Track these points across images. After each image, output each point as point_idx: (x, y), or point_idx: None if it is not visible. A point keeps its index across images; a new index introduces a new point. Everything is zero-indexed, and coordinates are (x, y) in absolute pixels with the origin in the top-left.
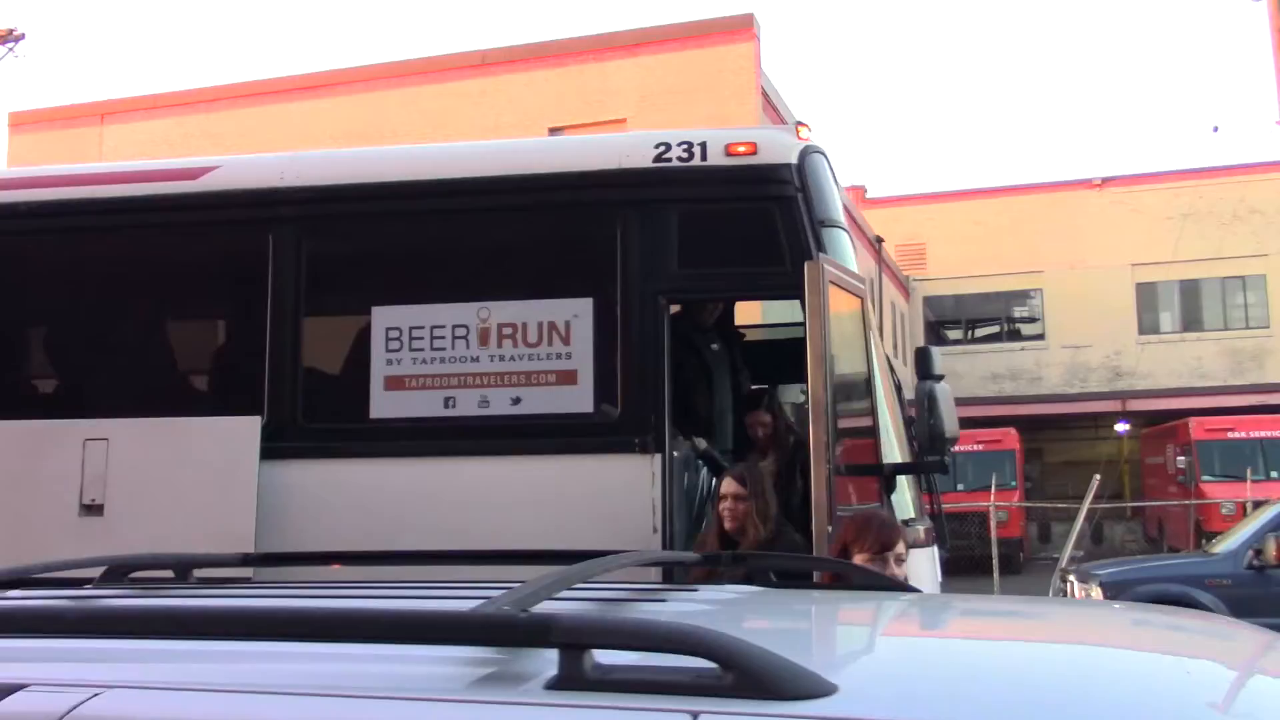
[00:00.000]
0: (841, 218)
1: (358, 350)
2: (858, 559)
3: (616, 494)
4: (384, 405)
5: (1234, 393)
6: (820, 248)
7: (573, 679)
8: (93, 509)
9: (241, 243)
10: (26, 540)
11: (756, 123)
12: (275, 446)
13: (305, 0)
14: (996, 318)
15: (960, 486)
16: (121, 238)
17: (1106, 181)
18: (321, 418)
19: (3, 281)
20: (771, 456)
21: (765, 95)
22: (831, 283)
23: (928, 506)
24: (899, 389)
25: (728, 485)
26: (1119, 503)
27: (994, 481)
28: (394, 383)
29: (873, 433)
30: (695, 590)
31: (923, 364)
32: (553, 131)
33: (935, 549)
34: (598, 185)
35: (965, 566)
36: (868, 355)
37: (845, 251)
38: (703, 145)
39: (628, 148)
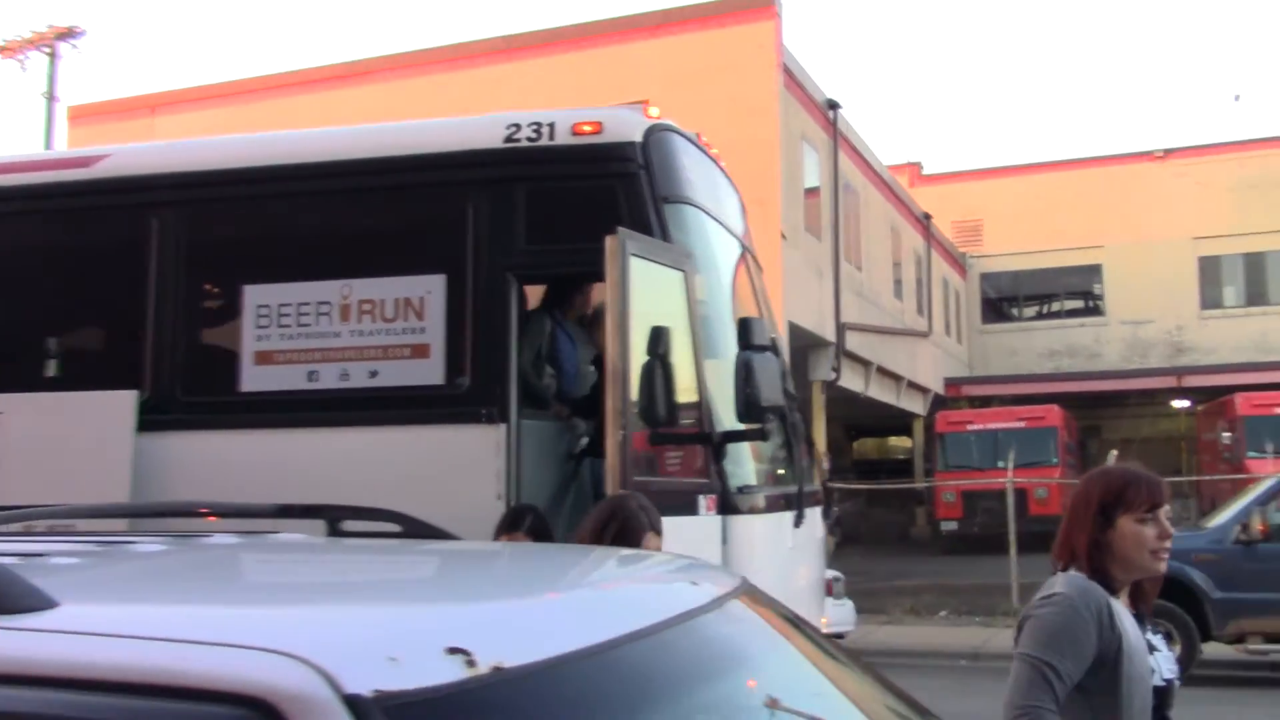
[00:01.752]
0: (696, 194)
1: (231, 327)
2: (1123, 519)
3: (465, 462)
4: (254, 379)
5: None
6: (663, 224)
7: None
8: None
9: (127, 226)
10: None
11: (777, 101)
12: (154, 419)
13: None
14: (1055, 294)
15: (1000, 464)
16: (24, 223)
17: (1169, 153)
18: (197, 391)
19: None
20: None
21: (789, 73)
22: (636, 255)
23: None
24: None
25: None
26: (1175, 478)
27: (1012, 459)
28: (263, 357)
29: (695, 403)
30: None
31: (742, 335)
32: None
33: (784, 517)
34: (451, 166)
35: (995, 545)
36: (692, 328)
37: (695, 226)
38: (551, 125)
39: (480, 129)
